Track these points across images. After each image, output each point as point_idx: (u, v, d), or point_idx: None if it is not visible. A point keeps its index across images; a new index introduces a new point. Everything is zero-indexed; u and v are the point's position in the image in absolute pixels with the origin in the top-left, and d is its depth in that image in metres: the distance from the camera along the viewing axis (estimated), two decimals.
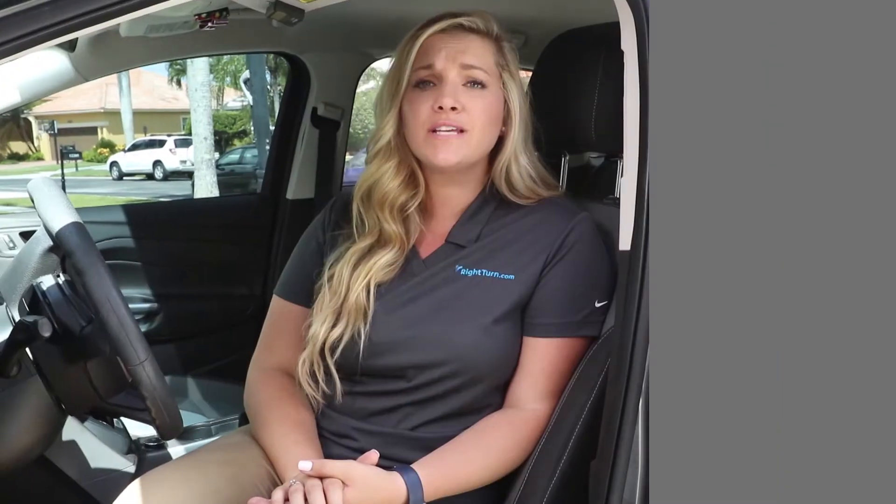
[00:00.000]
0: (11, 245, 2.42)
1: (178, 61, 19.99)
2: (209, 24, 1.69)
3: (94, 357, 1.19)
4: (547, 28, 1.73)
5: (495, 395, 1.36)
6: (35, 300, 1.23)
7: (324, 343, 1.34)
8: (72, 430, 1.63)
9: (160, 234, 2.53)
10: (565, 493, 1.27)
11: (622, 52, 1.20)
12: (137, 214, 2.54)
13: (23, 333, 1.16)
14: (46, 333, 1.15)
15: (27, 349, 1.21)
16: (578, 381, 1.32)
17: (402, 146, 1.36)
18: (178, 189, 19.00)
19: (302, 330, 1.39)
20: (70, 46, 1.86)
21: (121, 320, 1.10)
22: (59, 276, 1.27)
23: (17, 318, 1.25)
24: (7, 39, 0.86)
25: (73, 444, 1.63)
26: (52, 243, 1.26)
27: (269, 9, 1.47)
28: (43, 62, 1.91)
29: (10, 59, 0.87)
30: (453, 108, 1.30)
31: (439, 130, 1.31)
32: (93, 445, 1.66)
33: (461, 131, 1.31)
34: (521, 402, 1.34)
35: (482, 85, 1.33)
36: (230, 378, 2.33)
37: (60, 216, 1.18)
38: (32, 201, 1.30)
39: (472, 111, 1.31)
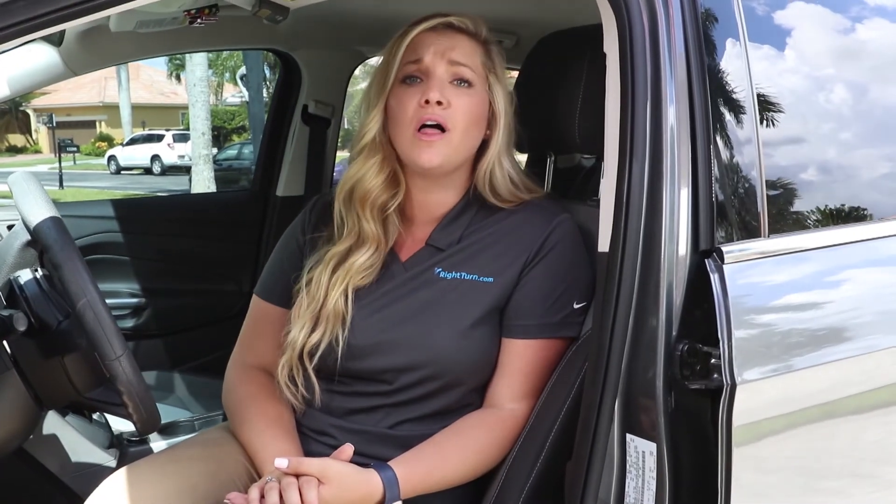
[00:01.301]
0: None
1: (178, 56, 19.97)
2: (198, 21, 1.69)
3: (72, 351, 1.19)
4: (539, 29, 1.74)
5: (475, 395, 1.36)
6: (12, 294, 1.23)
7: (302, 348, 1.34)
8: (53, 424, 1.63)
9: (149, 230, 2.53)
10: (542, 493, 1.27)
11: (604, 54, 1.20)
12: (127, 209, 2.54)
13: None
14: (21, 327, 1.14)
15: (4, 343, 1.21)
16: (557, 382, 1.32)
17: (386, 143, 1.36)
18: (175, 184, 18.99)
19: (280, 337, 1.39)
20: (56, 40, 1.86)
21: (97, 315, 1.10)
22: (36, 270, 1.26)
23: None
24: None
25: (53, 439, 1.63)
26: (30, 237, 1.26)
27: (255, 6, 1.47)
28: (32, 56, 1.91)
29: None
30: (439, 103, 1.30)
31: (424, 128, 1.30)
32: (74, 440, 1.66)
33: (444, 130, 1.31)
34: (499, 402, 1.34)
35: (468, 83, 1.34)
36: (216, 374, 2.32)
37: (38, 210, 1.18)
38: (12, 195, 1.29)
39: (457, 109, 1.31)
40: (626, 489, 1.17)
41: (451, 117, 1.31)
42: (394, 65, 1.33)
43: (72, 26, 0.94)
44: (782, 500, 1.25)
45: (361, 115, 1.39)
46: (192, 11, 1.68)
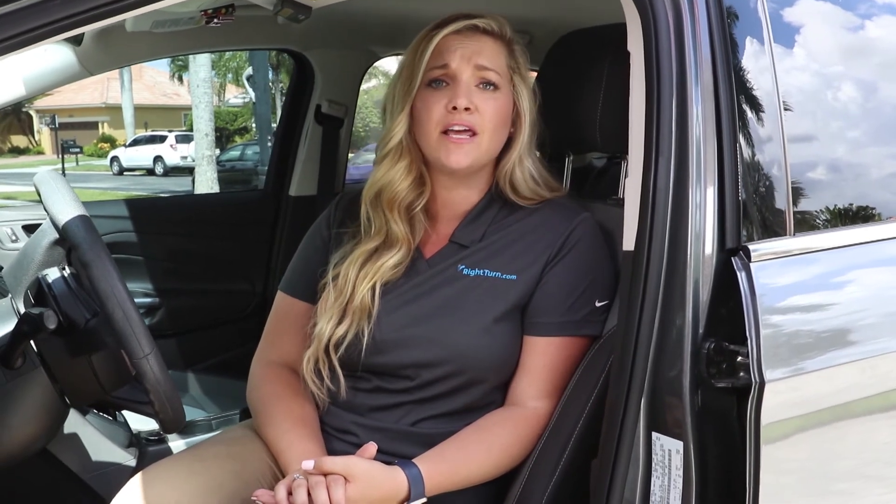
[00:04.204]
0: (14, 238, 2.42)
1: (180, 57, 20.01)
2: (215, 21, 1.69)
3: (99, 350, 1.19)
4: (551, 28, 1.74)
5: (497, 394, 1.36)
6: (40, 292, 1.23)
7: (329, 340, 1.34)
8: (73, 423, 1.63)
9: (163, 230, 2.53)
10: (565, 492, 1.28)
11: (627, 53, 1.20)
12: (141, 209, 2.55)
13: (28, 325, 1.16)
14: (52, 325, 1.15)
15: (31, 341, 1.21)
16: (580, 381, 1.32)
17: (413, 146, 1.36)
18: (178, 185, 18.99)
19: (307, 329, 1.39)
20: (76, 40, 1.86)
21: (126, 313, 1.10)
22: (64, 268, 1.27)
23: (23, 310, 1.26)
24: (17, 32, 0.86)
25: (74, 437, 1.63)
26: (57, 236, 1.26)
27: (277, 5, 1.47)
28: (48, 56, 1.91)
29: (19, 52, 0.88)
30: (466, 109, 1.30)
31: (452, 131, 1.31)
32: (94, 439, 1.67)
33: (473, 134, 1.32)
34: (521, 400, 1.34)
35: (494, 86, 1.34)
36: (231, 373, 2.34)
37: (67, 209, 1.18)
38: (38, 194, 1.30)
39: (485, 113, 1.32)
40: (652, 488, 1.17)
41: (478, 122, 1.32)
42: (419, 68, 1.32)
43: (104, 26, 0.95)
44: (804, 501, 1.25)
45: (386, 118, 1.39)
46: (209, 11, 1.68)
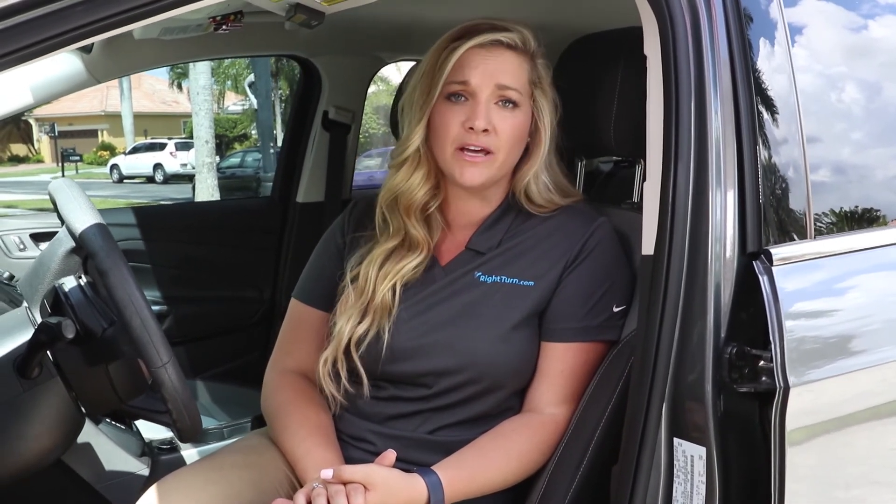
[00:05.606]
0: (22, 247, 2.41)
1: (180, 65, 20.02)
2: (223, 28, 1.69)
3: (116, 359, 1.19)
4: (560, 34, 1.73)
5: (514, 400, 1.36)
6: (57, 301, 1.22)
7: (349, 339, 1.33)
8: (87, 432, 1.62)
9: (170, 237, 2.52)
10: (585, 498, 1.27)
11: (641, 57, 1.20)
12: (149, 217, 2.54)
13: (45, 334, 1.15)
14: (70, 335, 1.14)
15: (48, 351, 1.20)
16: (598, 386, 1.31)
17: (429, 155, 1.35)
18: (178, 192, 19.00)
19: (328, 329, 1.38)
20: (86, 48, 1.86)
21: (144, 322, 1.09)
22: (80, 277, 1.26)
23: (39, 320, 1.25)
24: (40, 39, 0.86)
25: (87, 447, 1.62)
26: (74, 244, 1.25)
27: (289, 11, 1.46)
28: (56, 64, 1.91)
29: (41, 59, 0.87)
30: (484, 131, 1.29)
31: (467, 150, 1.29)
32: (107, 448, 1.65)
33: (488, 153, 1.30)
34: (539, 407, 1.33)
35: (514, 104, 1.32)
36: (241, 381, 2.33)
37: (83, 217, 1.17)
38: (54, 203, 1.29)
39: (502, 132, 1.30)
40: (674, 494, 1.16)
41: (494, 143, 1.30)
42: (439, 80, 1.30)
43: (125, 32, 0.94)
44: None
45: (401, 125, 1.39)
46: (218, 18, 1.68)
